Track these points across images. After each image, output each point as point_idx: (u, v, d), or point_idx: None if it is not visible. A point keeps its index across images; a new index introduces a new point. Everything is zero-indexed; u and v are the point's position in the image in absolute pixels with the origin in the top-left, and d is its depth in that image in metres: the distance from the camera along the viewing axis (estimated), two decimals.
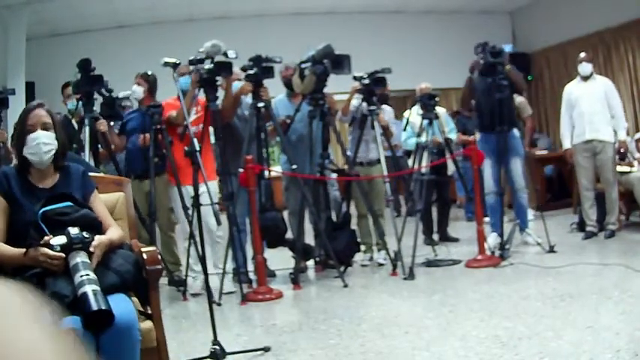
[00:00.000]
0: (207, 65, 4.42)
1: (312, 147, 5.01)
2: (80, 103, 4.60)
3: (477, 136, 5.64)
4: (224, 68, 4.48)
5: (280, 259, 5.33)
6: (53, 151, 2.35)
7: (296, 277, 4.78)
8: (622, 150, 5.76)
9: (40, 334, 0.49)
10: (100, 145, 4.74)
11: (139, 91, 4.90)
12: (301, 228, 4.98)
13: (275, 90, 5.44)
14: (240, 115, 5.12)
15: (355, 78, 5.23)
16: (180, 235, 5.26)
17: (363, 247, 5.45)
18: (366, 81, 5.20)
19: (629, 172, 5.92)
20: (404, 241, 5.04)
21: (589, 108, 5.60)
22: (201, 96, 4.68)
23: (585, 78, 5.73)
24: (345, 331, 3.49)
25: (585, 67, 5.71)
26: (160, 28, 9.03)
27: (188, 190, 4.42)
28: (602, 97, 5.65)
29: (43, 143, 2.32)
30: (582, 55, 5.84)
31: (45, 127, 2.35)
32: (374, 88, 5.21)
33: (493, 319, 3.45)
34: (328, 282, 4.86)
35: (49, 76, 7.78)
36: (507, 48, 5.23)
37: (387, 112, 5.74)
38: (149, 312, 2.30)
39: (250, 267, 4.89)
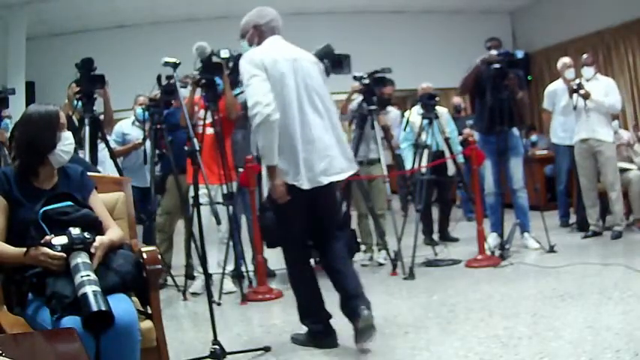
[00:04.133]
0: (197, 66, 4.42)
1: None
2: (80, 102, 4.59)
3: (475, 135, 5.63)
4: (213, 69, 4.45)
5: (280, 259, 5.31)
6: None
7: None
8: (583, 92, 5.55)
9: None
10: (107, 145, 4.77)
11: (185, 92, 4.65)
12: None
13: None
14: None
15: (355, 78, 5.23)
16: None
17: (363, 247, 5.45)
18: (366, 81, 5.20)
19: (628, 169, 5.92)
20: (404, 241, 5.04)
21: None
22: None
23: (588, 78, 5.74)
24: (345, 331, 3.49)
25: (587, 71, 5.72)
26: (160, 27, 9.03)
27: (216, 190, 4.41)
28: (602, 96, 5.65)
29: (70, 143, 2.37)
30: (584, 57, 5.84)
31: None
32: (374, 88, 5.21)
33: (493, 319, 3.45)
34: (328, 282, 4.84)
35: (49, 76, 7.79)
36: (519, 54, 5.22)
37: (392, 114, 5.77)
38: (149, 312, 2.30)
39: (250, 267, 4.88)
